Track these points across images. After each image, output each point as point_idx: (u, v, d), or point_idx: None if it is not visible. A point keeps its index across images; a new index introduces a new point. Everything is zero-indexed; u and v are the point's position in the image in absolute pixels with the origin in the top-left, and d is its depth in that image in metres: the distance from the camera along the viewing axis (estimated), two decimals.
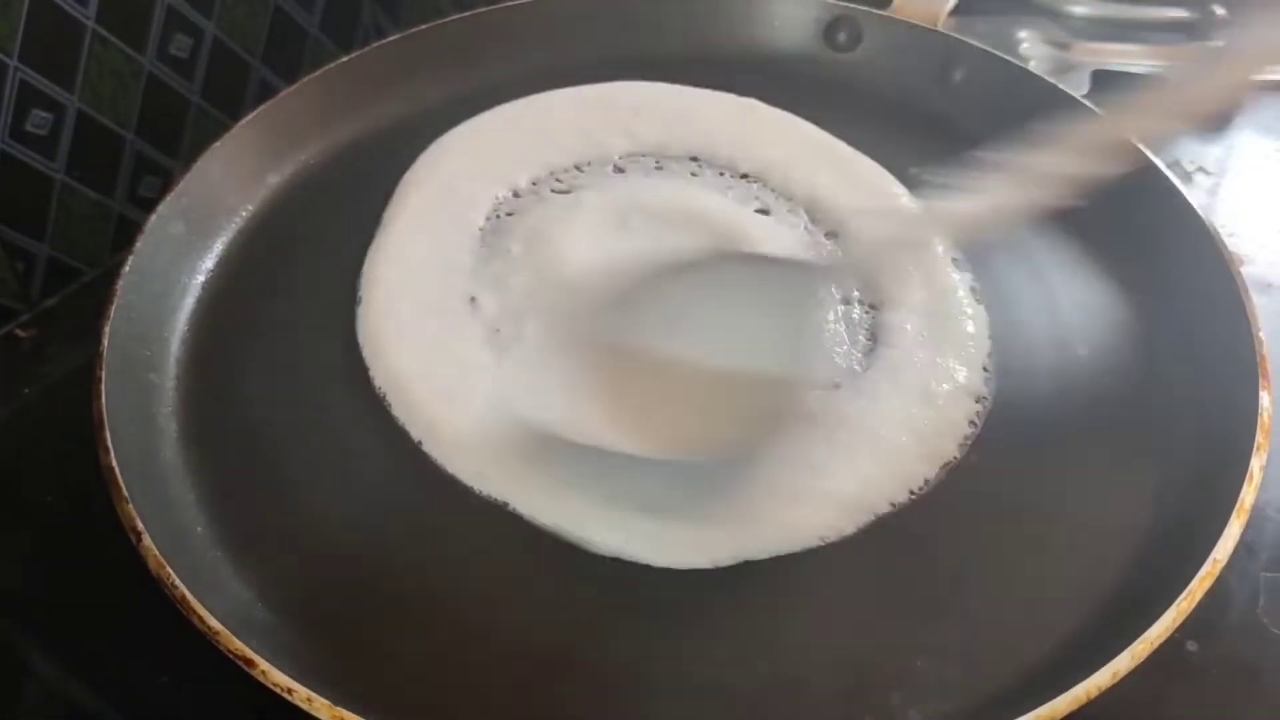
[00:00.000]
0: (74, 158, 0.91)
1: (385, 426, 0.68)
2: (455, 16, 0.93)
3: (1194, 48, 1.05)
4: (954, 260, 0.77)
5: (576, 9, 0.94)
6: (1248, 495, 0.59)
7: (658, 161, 0.85)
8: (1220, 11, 1.06)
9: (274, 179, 0.83)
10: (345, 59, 0.88)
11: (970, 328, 0.73)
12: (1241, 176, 0.94)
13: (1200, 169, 0.94)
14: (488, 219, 0.80)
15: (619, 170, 0.84)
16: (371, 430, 0.68)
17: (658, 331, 0.67)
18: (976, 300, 0.75)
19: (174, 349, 0.73)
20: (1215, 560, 0.56)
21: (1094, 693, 0.51)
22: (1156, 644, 0.53)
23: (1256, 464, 0.60)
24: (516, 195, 0.82)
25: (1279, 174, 0.94)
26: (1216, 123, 0.99)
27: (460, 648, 0.58)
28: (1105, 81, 0.98)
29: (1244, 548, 0.58)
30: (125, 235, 0.73)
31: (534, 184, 0.83)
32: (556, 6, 0.94)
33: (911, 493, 0.65)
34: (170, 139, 0.99)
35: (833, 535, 0.62)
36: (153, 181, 0.99)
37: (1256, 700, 0.62)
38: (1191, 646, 0.63)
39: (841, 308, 0.73)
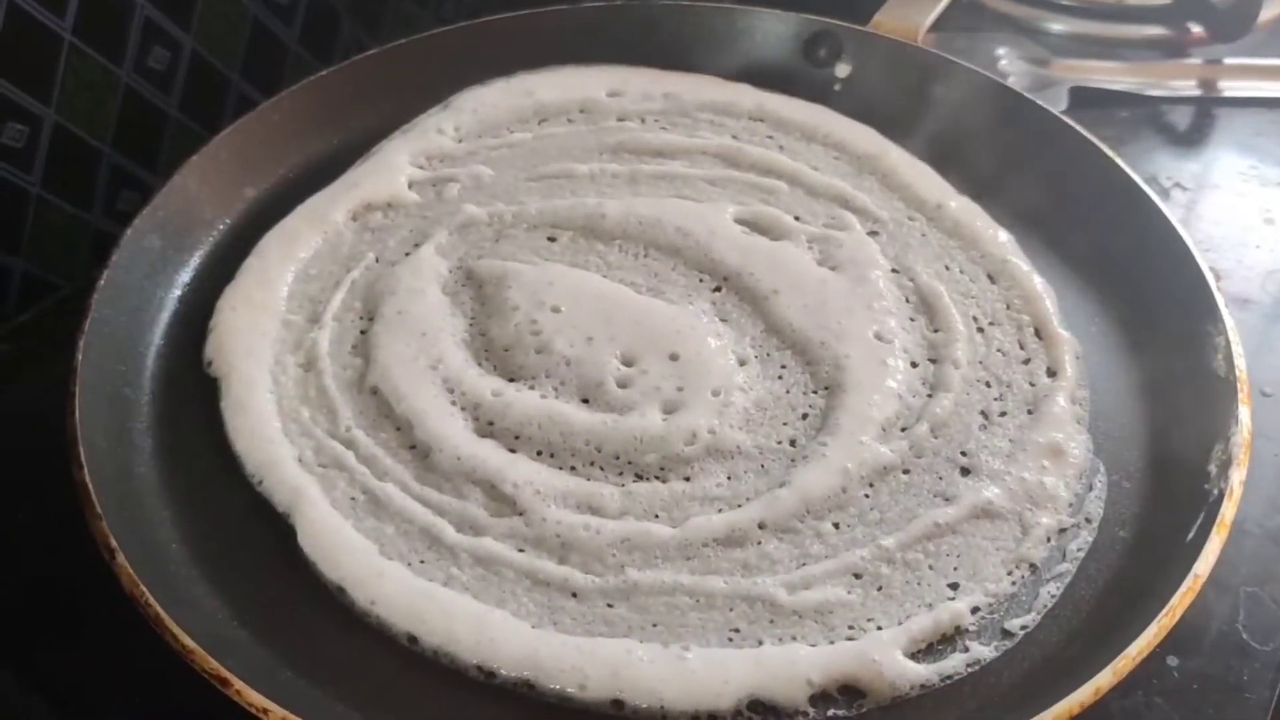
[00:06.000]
0: (50, 171, 0.90)
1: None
2: (434, 31, 0.93)
3: (1171, 64, 1.05)
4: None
5: (555, 25, 0.94)
6: (1228, 511, 0.59)
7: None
8: (1196, 29, 1.06)
9: (251, 192, 0.83)
10: (324, 72, 0.88)
11: None
12: (1218, 192, 0.95)
13: (1177, 184, 0.94)
14: None
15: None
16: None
17: None
18: None
19: (149, 363, 0.72)
20: (1196, 576, 0.56)
21: (1076, 709, 0.51)
22: (1138, 660, 0.53)
23: (1236, 479, 0.60)
24: None
25: (1255, 190, 0.95)
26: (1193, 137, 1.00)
27: (436, 670, 0.58)
28: (1083, 98, 0.98)
29: (1224, 562, 0.58)
30: (102, 249, 0.72)
31: None
32: (537, 23, 0.94)
33: None
34: (148, 153, 0.98)
35: None
36: (130, 195, 0.98)
37: (1238, 715, 0.61)
38: (1172, 661, 0.62)
39: None
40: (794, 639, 0.59)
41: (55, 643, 0.63)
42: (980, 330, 0.74)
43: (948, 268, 0.78)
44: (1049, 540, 0.63)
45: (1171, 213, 0.75)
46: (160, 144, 0.99)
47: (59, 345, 0.68)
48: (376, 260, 0.78)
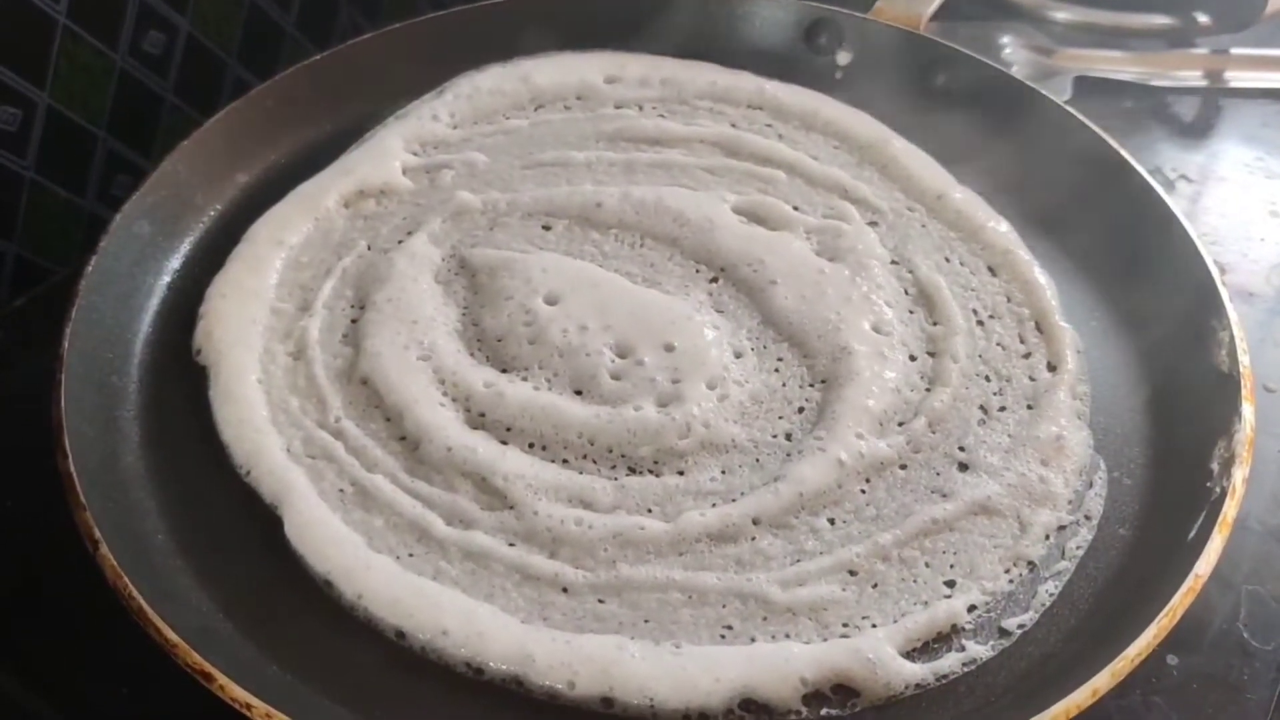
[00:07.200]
0: (44, 155, 0.89)
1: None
2: (430, 15, 0.92)
3: (1176, 54, 1.04)
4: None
5: (551, 9, 0.93)
6: (1230, 509, 0.58)
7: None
8: (1203, 19, 1.05)
9: (242, 178, 0.82)
10: (317, 57, 0.87)
11: None
12: (1223, 184, 0.94)
13: (1182, 176, 0.94)
14: None
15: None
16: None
17: None
18: None
19: (137, 351, 0.71)
20: (1197, 576, 0.55)
21: (1074, 711, 0.51)
22: (1137, 662, 0.52)
23: (1239, 476, 0.59)
24: None
25: (1261, 182, 0.94)
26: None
27: (424, 665, 0.57)
28: (1088, 88, 0.97)
29: (1226, 559, 0.57)
30: (96, 235, 0.71)
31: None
32: (534, 7, 0.93)
33: None
34: (143, 137, 0.98)
35: None
36: (125, 180, 0.97)
37: (1238, 715, 0.61)
38: (1172, 659, 0.62)
39: None
40: (787, 636, 0.58)
41: (42, 632, 0.63)
42: (980, 323, 0.73)
43: (948, 259, 0.77)
44: (1048, 538, 0.62)
45: (1176, 205, 0.74)
46: (155, 128, 0.99)
47: (52, 332, 0.67)
48: (369, 248, 0.78)
